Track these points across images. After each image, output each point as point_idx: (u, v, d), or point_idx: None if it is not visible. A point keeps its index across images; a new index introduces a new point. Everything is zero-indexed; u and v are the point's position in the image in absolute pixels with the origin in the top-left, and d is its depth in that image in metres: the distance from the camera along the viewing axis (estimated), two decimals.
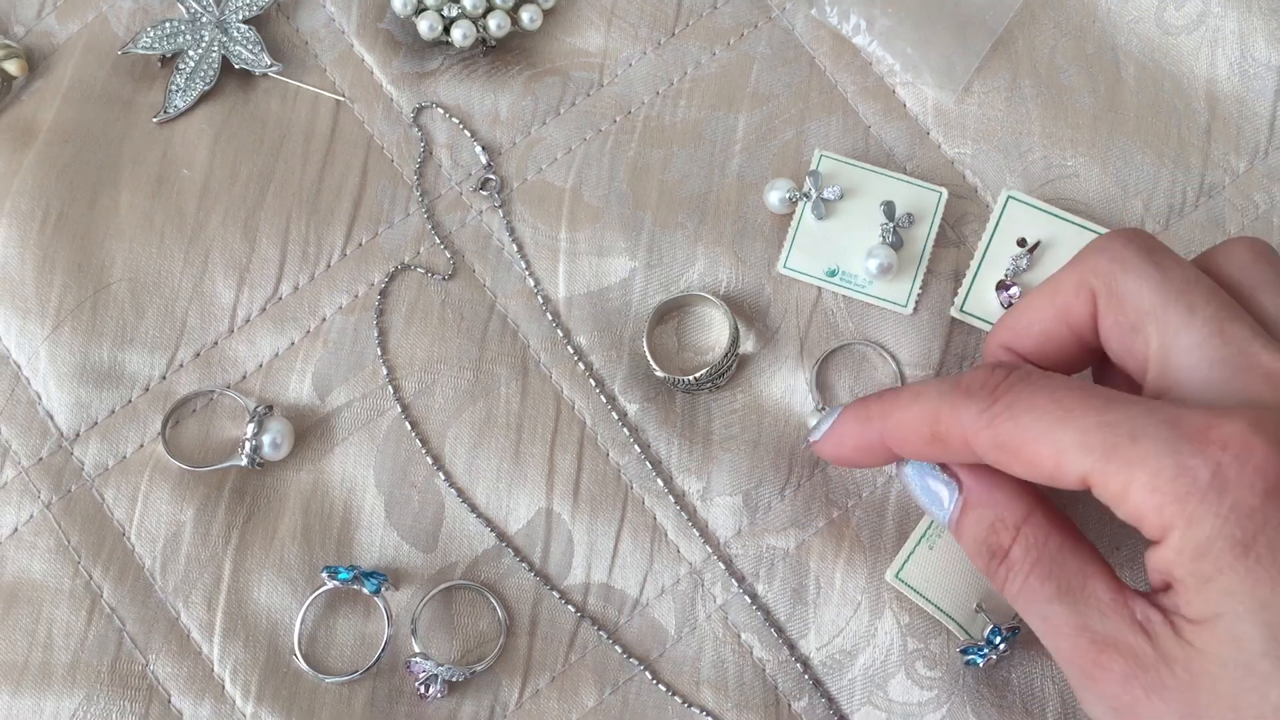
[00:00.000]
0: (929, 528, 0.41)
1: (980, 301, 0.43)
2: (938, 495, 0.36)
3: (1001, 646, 0.40)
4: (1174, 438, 0.29)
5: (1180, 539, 0.29)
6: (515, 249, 0.44)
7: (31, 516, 0.41)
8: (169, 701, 0.40)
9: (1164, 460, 0.29)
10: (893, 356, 0.43)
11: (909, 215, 0.44)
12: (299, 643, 0.40)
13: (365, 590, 0.40)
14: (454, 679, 0.40)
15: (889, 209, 0.44)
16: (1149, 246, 0.33)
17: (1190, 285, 0.32)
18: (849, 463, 0.38)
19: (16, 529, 0.41)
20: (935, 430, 0.33)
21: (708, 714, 0.41)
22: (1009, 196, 0.44)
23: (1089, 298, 0.34)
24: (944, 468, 0.36)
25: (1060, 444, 0.30)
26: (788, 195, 0.44)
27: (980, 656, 0.40)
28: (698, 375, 0.42)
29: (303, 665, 0.40)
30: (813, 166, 0.44)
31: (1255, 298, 0.33)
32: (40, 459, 0.42)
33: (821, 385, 0.43)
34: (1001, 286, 0.43)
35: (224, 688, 0.40)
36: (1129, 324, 0.33)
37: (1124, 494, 0.30)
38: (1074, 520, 0.35)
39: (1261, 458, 0.28)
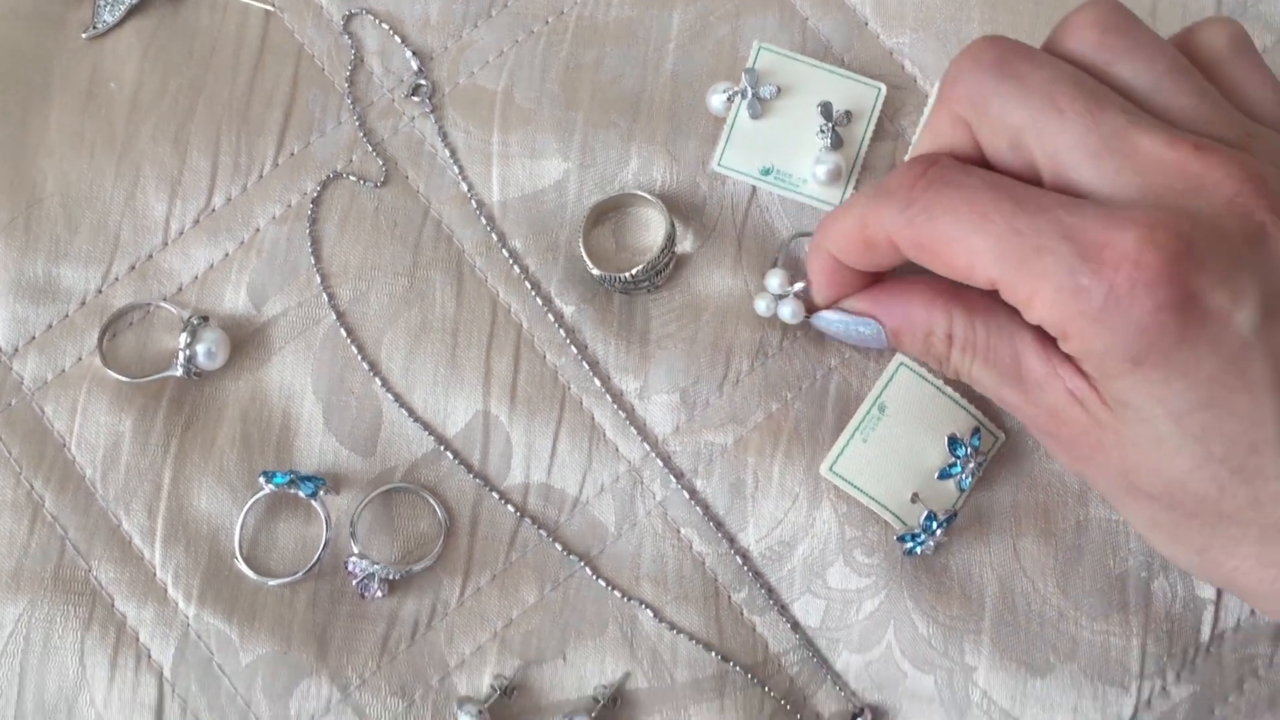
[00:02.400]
0: (863, 421, 0.41)
1: None
2: (864, 334, 0.38)
3: (938, 533, 0.40)
4: (1072, 255, 0.30)
5: (1080, 348, 0.31)
6: (448, 154, 0.44)
7: None
8: (112, 606, 0.40)
9: (1063, 279, 0.30)
10: None
11: (847, 113, 0.43)
12: (240, 547, 0.41)
13: (302, 494, 0.40)
14: (391, 577, 0.40)
15: (826, 109, 0.43)
16: (1002, 57, 0.33)
17: (1053, 85, 0.32)
18: (835, 298, 0.39)
19: None
20: (864, 236, 0.35)
21: (648, 607, 0.41)
22: None
23: (965, 130, 0.34)
24: (854, 312, 0.38)
25: (973, 249, 0.32)
26: (725, 96, 0.44)
27: (918, 544, 0.40)
28: (634, 271, 0.42)
29: (244, 569, 0.40)
30: (751, 60, 0.44)
31: (1113, 73, 0.33)
32: None
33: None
34: None
35: (166, 591, 0.41)
36: (1008, 143, 0.33)
37: (1029, 303, 0.31)
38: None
39: (1152, 273, 0.29)
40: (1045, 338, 0.34)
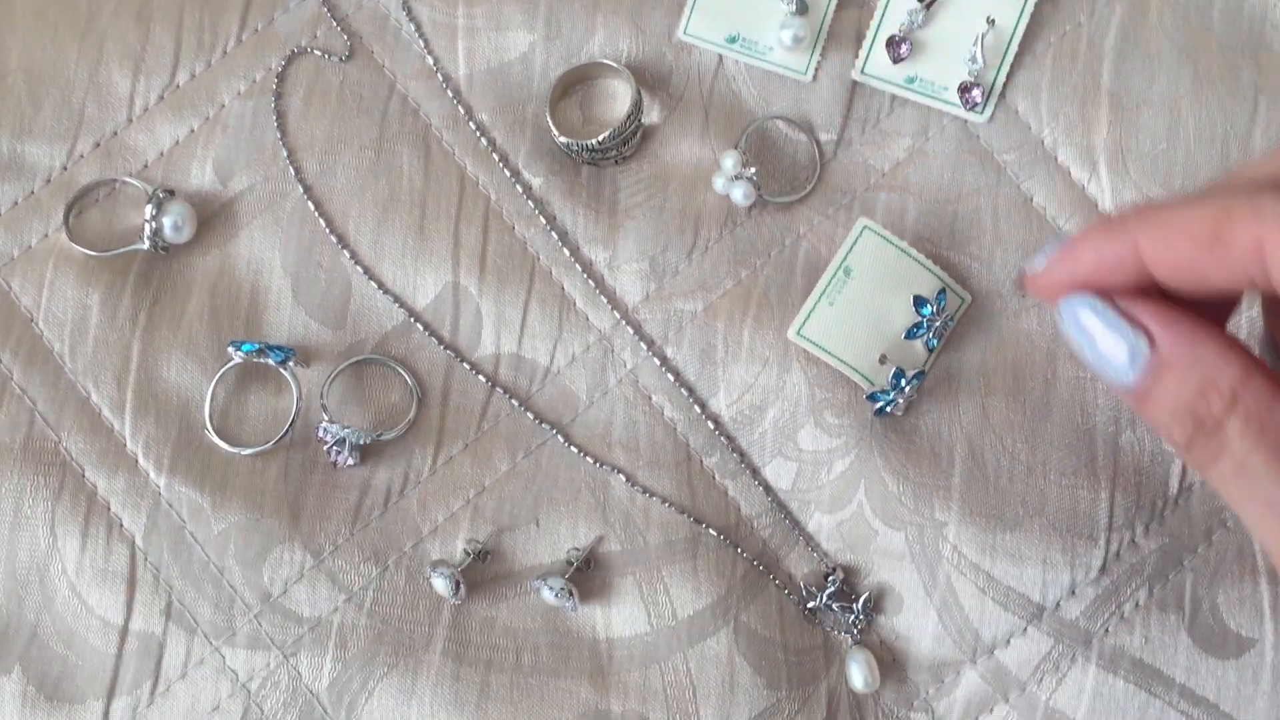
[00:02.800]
0: (829, 284, 0.41)
1: (881, 63, 0.43)
2: (1115, 351, 0.29)
3: (907, 390, 0.40)
4: None
5: None
6: (413, 29, 0.44)
7: None
8: (83, 476, 0.40)
9: None
10: (807, 129, 0.43)
11: None
12: (210, 418, 0.41)
13: (271, 362, 0.40)
14: (362, 442, 0.40)
15: None
16: None
17: None
18: (1070, 287, 0.30)
19: None
20: (1220, 229, 0.27)
21: (620, 472, 0.41)
22: None
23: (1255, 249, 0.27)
24: (1127, 314, 0.29)
25: None
26: None
27: (888, 403, 0.40)
28: (601, 138, 0.42)
29: (215, 439, 0.40)
30: None
31: None
32: None
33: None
34: (891, 43, 0.43)
35: (137, 462, 0.40)
36: None
37: None
38: None
39: None
40: None
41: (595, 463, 0.41)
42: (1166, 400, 0.28)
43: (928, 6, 0.43)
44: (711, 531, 0.41)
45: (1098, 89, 0.43)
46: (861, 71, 0.43)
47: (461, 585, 0.39)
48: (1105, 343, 0.29)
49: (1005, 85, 0.43)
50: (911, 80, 0.43)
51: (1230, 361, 0.28)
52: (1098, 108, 0.43)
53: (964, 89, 0.43)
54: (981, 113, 0.43)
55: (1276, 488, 0.27)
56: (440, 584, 0.39)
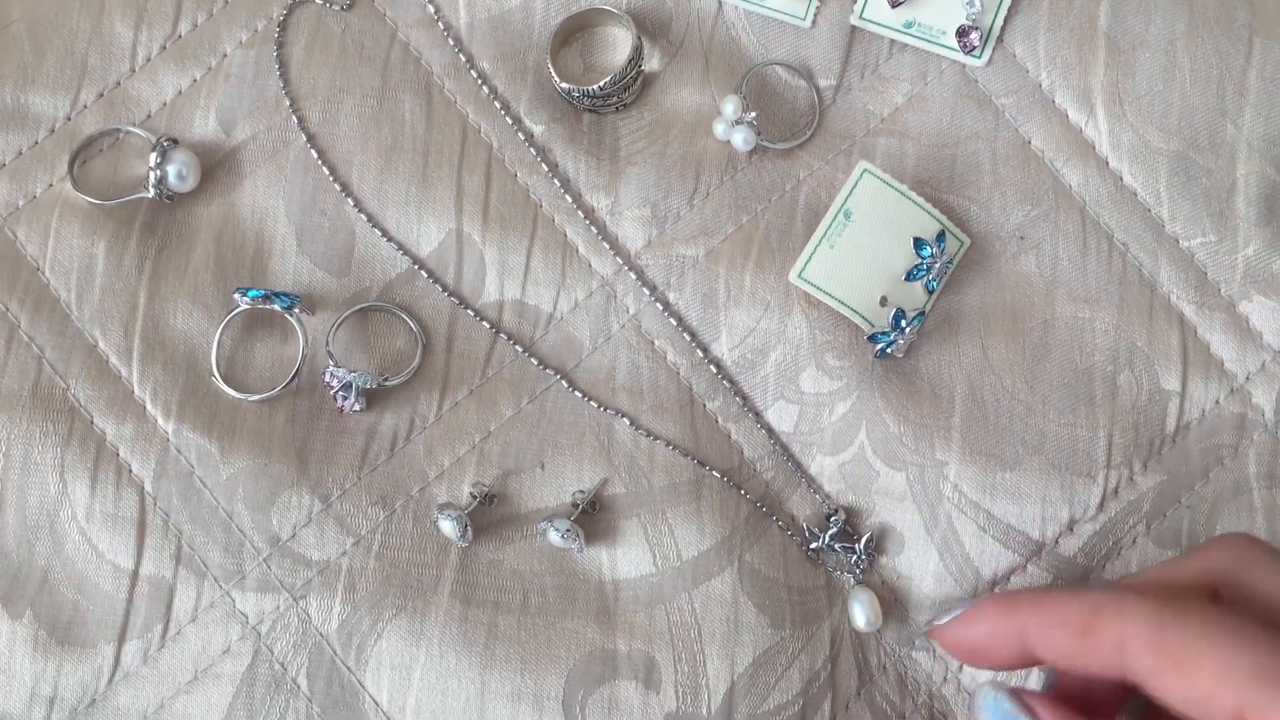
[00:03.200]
0: (829, 227, 0.41)
1: (880, 8, 0.43)
2: None
3: (908, 331, 0.40)
4: None
5: None
6: None
7: None
8: (91, 422, 0.41)
9: None
10: (806, 75, 0.43)
11: None
12: (217, 364, 0.41)
13: (277, 307, 0.40)
14: (368, 386, 0.40)
15: None
16: (1272, 548, 0.33)
17: None
18: (968, 654, 0.35)
19: None
20: (1090, 623, 0.31)
21: (624, 416, 0.41)
22: None
23: (1206, 590, 0.33)
24: (1027, 708, 0.32)
25: (1230, 666, 0.29)
26: None
27: (889, 343, 0.41)
28: (602, 84, 0.42)
29: (221, 385, 0.41)
30: None
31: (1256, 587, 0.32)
32: None
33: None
34: None
35: (145, 408, 0.41)
36: (1259, 611, 0.31)
37: None
38: None
39: None
40: None
41: (600, 407, 0.42)
42: None
43: None
44: (715, 474, 0.41)
45: (1094, 31, 0.43)
46: (860, 17, 0.43)
47: (469, 528, 0.40)
48: None
49: (1003, 29, 0.43)
50: (910, 25, 0.43)
51: None
52: (1094, 50, 0.43)
53: (962, 33, 0.43)
54: (979, 56, 0.43)
55: None
56: (448, 526, 0.40)
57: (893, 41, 0.44)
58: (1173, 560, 0.34)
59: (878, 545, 0.41)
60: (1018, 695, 0.33)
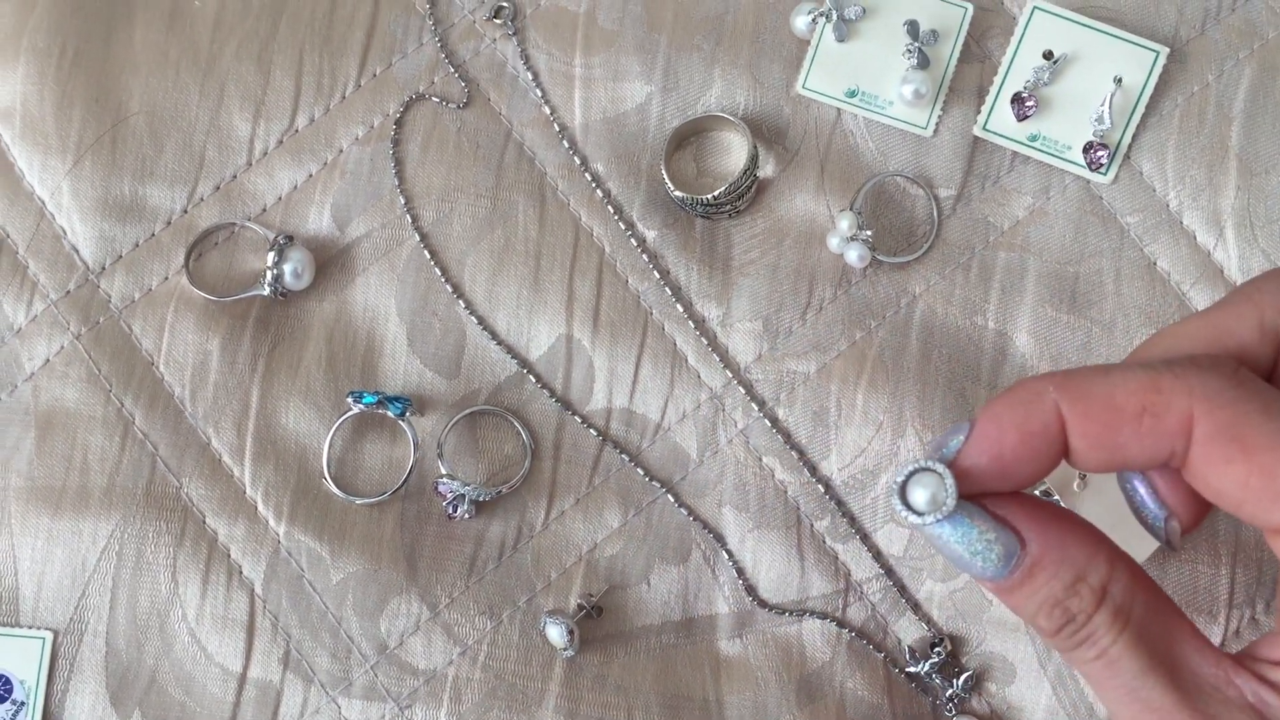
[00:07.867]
0: None
1: (1004, 119, 0.42)
2: (981, 553, 0.29)
3: None
4: None
5: None
6: (530, 77, 0.44)
7: (62, 348, 0.42)
8: (204, 522, 0.41)
9: None
10: (927, 187, 0.42)
11: (933, 32, 0.43)
12: (328, 466, 0.41)
13: (390, 413, 0.40)
14: (481, 499, 0.40)
15: (913, 28, 0.42)
16: None
17: None
18: (993, 468, 0.29)
19: (48, 360, 0.42)
20: (1150, 400, 0.27)
21: (726, 549, 0.41)
22: (1034, 7, 0.42)
23: (1256, 325, 0.29)
24: (998, 517, 0.29)
25: None
26: (810, 17, 0.43)
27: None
28: (716, 193, 0.41)
29: (332, 488, 0.41)
30: None
31: None
32: (68, 292, 0.42)
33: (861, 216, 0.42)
34: (1017, 100, 0.42)
35: (257, 509, 0.41)
36: None
37: None
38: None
39: None
40: (1207, 642, 0.29)
41: (704, 527, 0.41)
42: (1037, 594, 0.29)
43: (1054, 63, 0.42)
44: (815, 620, 0.40)
45: (1225, 152, 0.42)
46: (984, 127, 0.43)
47: (575, 635, 0.39)
48: (969, 545, 0.29)
49: (1131, 146, 0.42)
50: (1034, 138, 0.42)
51: (1098, 558, 0.29)
52: (1225, 171, 0.42)
53: (1089, 148, 0.42)
54: (1105, 173, 0.42)
55: (1136, 677, 0.28)
56: (555, 633, 0.39)
57: (1015, 154, 0.43)
58: (1218, 306, 0.29)
59: (987, 674, 0.41)
60: (984, 507, 0.28)
